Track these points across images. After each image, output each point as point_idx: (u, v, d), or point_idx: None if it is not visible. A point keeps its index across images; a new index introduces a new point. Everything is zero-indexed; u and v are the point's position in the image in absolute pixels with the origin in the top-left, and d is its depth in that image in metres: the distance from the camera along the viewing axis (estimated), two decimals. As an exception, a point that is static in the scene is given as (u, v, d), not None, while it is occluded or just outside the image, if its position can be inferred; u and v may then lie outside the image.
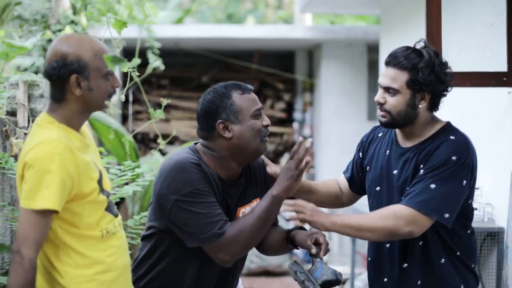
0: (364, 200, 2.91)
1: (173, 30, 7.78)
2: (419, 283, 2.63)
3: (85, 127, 2.33)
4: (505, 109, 3.77)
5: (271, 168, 2.68)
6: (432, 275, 2.62)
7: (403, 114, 2.61)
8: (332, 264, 6.97)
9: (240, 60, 8.38)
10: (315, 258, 2.46)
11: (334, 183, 2.93)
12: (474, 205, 3.45)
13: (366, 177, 2.80)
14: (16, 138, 3.23)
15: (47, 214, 2.08)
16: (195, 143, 2.57)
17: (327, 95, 7.78)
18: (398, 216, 2.51)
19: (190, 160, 2.43)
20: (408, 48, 2.62)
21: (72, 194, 2.13)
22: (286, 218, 2.58)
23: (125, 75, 3.88)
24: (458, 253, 2.63)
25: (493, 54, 3.30)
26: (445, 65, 2.62)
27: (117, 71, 6.08)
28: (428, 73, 2.56)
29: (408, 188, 2.58)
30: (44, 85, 3.54)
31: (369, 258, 2.78)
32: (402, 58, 2.58)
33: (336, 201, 2.93)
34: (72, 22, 5.77)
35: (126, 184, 3.46)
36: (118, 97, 3.59)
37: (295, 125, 8.44)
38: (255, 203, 2.58)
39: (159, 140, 4.11)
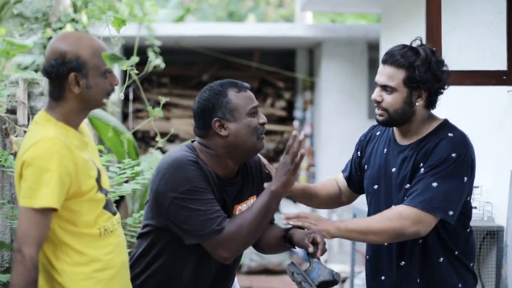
0: (363, 199, 2.91)
1: (173, 28, 7.78)
2: (417, 281, 2.63)
3: (85, 125, 2.33)
4: (505, 107, 3.76)
5: (268, 166, 2.69)
6: (430, 274, 2.62)
7: (400, 112, 2.61)
8: (332, 262, 6.97)
9: (240, 58, 8.38)
10: (312, 258, 2.46)
11: (333, 184, 2.94)
12: (474, 203, 3.46)
13: (364, 176, 2.80)
14: (16, 136, 3.23)
15: (47, 212, 2.09)
16: (192, 141, 2.57)
17: (327, 93, 7.78)
18: (403, 216, 2.50)
19: (188, 157, 2.43)
20: (404, 46, 2.62)
21: (70, 192, 2.13)
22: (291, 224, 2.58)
23: (125, 73, 3.88)
24: (456, 253, 2.63)
25: (493, 53, 3.30)
26: (441, 62, 2.62)
27: (116, 70, 6.08)
28: (424, 71, 2.57)
29: (409, 188, 2.58)
30: (44, 83, 3.54)
31: (368, 257, 2.78)
32: (398, 56, 2.58)
33: (336, 201, 2.95)
34: (73, 20, 5.77)
35: (126, 182, 3.47)
36: (117, 95, 3.58)
37: (296, 123, 8.42)
38: (251, 200, 2.58)
39: (158, 138, 4.11)
